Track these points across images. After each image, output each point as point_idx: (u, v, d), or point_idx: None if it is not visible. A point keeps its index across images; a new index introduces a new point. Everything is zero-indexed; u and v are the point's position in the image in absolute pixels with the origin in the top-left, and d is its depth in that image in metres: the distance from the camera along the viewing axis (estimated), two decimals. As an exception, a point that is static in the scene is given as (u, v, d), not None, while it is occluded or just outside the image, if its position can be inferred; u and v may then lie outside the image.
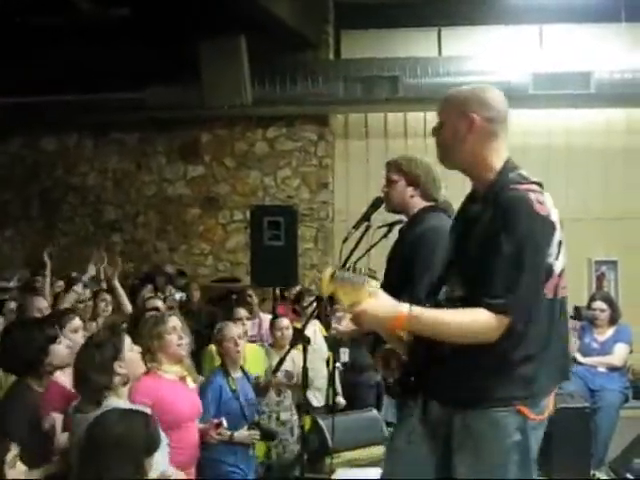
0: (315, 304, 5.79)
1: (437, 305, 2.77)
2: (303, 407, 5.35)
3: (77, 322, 4.37)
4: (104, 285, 6.32)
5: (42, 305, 5.25)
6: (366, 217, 4.05)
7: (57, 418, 3.60)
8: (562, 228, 2.75)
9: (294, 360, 5.86)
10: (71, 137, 11.98)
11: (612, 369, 6.95)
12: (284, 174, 11.65)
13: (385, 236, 4.23)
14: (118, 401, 3.30)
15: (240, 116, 11.36)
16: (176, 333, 4.29)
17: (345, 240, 3.91)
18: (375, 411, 6.67)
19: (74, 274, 6.25)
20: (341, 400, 7.25)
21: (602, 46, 10.51)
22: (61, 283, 7.24)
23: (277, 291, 8.73)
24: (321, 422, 5.98)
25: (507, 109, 2.84)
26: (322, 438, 5.80)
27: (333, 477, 5.38)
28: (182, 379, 4.36)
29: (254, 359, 6.20)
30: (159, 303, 6.21)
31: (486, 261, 2.61)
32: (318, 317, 6.83)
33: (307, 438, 5.28)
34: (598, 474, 6.15)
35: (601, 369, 6.94)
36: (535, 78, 10.13)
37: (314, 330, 7.16)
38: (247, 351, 5.95)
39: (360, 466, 5.74)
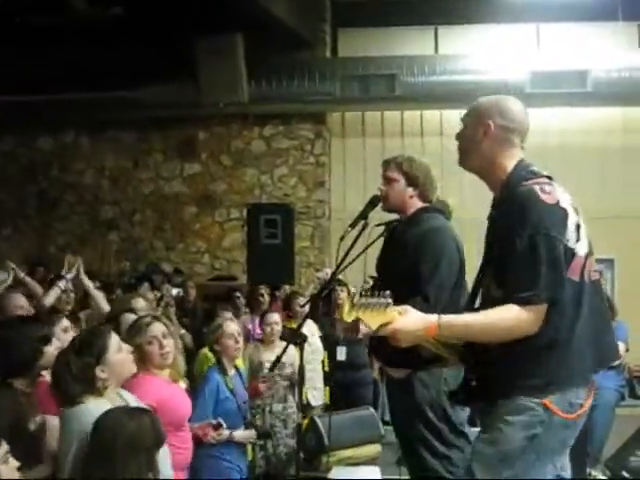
0: (309, 305, 5.77)
1: (475, 309, 2.85)
2: (300, 406, 5.33)
3: (66, 322, 4.29)
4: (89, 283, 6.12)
5: (20, 302, 5.09)
6: (363, 215, 4.02)
7: (49, 419, 3.48)
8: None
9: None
10: (68, 135, 11.96)
11: (608, 367, 6.95)
12: (281, 172, 11.64)
13: (382, 235, 4.23)
14: (96, 402, 3.20)
15: (237, 114, 11.35)
16: (157, 342, 4.02)
17: (342, 238, 3.90)
18: (372, 409, 6.67)
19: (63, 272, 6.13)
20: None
21: (599, 45, 10.53)
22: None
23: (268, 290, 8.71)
24: (317, 420, 5.99)
25: (527, 122, 2.96)
26: (318, 436, 5.81)
27: (329, 476, 5.38)
28: (174, 381, 4.28)
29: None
30: (140, 304, 5.64)
31: (507, 259, 2.71)
32: (313, 317, 6.80)
33: (303, 436, 5.27)
34: (594, 472, 6.17)
35: (597, 367, 6.93)
36: (532, 76, 10.14)
37: (310, 331, 7.17)
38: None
39: (356, 464, 5.75)
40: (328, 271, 7.65)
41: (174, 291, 8.74)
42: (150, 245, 11.85)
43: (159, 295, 7.79)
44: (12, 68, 9.78)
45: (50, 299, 5.65)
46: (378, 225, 4.21)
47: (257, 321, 7.42)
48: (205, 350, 5.76)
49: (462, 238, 4.12)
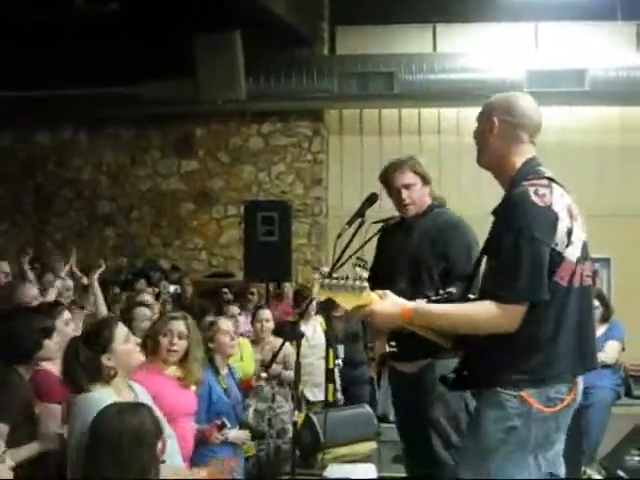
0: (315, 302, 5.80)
1: (469, 299, 2.88)
2: (296, 402, 5.34)
3: (68, 314, 4.37)
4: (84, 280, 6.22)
5: (34, 293, 5.20)
6: (360, 213, 4.02)
7: (43, 407, 3.63)
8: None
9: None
10: (66, 131, 11.97)
11: (604, 366, 6.94)
12: (278, 169, 11.65)
13: (379, 232, 4.23)
14: (102, 390, 3.27)
15: (235, 111, 11.36)
16: (170, 336, 4.14)
17: (339, 236, 3.90)
18: (368, 407, 6.67)
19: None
20: (339, 396, 7.22)
21: (597, 44, 10.54)
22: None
23: (271, 289, 8.73)
24: (313, 417, 5.98)
25: (537, 117, 2.97)
26: (314, 434, 5.80)
27: (325, 473, 5.38)
28: (179, 379, 4.28)
29: (249, 354, 6.16)
30: (147, 297, 6.04)
31: (496, 256, 2.76)
32: (324, 315, 6.80)
33: (299, 434, 5.26)
34: (589, 471, 6.17)
35: (593, 366, 6.93)
36: (530, 75, 10.15)
37: (314, 326, 7.16)
38: (243, 346, 5.96)
39: (352, 462, 5.74)
40: (326, 270, 7.63)
41: (171, 288, 8.74)
42: (147, 241, 11.86)
43: (156, 292, 7.80)
44: (11, 65, 9.77)
45: (50, 299, 5.70)
46: (375, 222, 4.21)
47: (247, 318, 7.44)
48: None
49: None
